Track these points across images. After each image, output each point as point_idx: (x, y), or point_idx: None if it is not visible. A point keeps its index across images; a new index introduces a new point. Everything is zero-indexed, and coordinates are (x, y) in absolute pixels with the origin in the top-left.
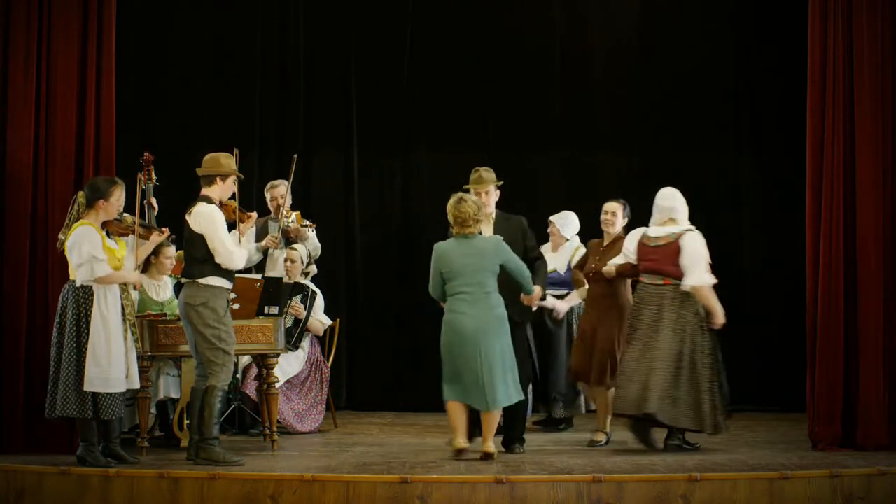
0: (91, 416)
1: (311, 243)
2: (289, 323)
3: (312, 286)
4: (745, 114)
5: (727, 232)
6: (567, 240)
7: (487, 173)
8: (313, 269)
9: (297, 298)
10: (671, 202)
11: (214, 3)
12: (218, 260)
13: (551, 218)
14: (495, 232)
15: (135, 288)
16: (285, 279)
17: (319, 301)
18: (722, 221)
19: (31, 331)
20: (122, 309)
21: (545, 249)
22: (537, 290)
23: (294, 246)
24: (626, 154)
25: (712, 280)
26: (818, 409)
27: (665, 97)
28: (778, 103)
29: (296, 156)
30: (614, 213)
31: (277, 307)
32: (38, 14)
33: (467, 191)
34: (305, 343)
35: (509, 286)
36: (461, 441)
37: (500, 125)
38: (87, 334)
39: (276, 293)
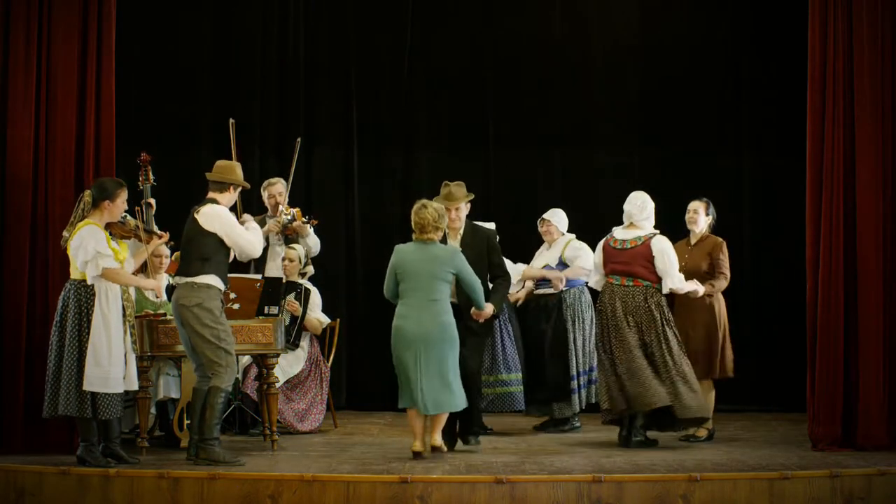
0: (90, 415)
1: (311, 240)
2: (286, 321)
3: (307, 284)
4: (745, 114)
5: (727, 232)
6: (563, 234)
7: (458, 189)
8: (310, 270)
9: (292, 296)
10: (628, 206)
11: (215, 3)
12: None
13: (544, 216)
14: (462, 246)
15: (157, 296)
16: (284, 279)
17: (317, 299)
18: (722, 221)
19: (31, 331)
20: (123, 309)
21: (540, 248)
22: (488, 307)
23: (293, 245)
24: (626, 154)
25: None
26: (818, 409)
27: (665, 97)
28: (778, 103)
29: (299, 139)
30: (696, 212)
31: (278, 307)
32: (38, 14)
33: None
34: (305, 343)
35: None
36: (417, 445)
37: (500, 125)
38: (88, 333)
39: (276, 293)
